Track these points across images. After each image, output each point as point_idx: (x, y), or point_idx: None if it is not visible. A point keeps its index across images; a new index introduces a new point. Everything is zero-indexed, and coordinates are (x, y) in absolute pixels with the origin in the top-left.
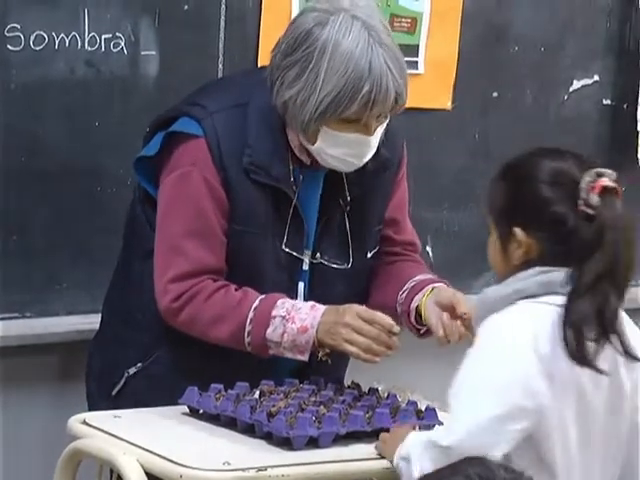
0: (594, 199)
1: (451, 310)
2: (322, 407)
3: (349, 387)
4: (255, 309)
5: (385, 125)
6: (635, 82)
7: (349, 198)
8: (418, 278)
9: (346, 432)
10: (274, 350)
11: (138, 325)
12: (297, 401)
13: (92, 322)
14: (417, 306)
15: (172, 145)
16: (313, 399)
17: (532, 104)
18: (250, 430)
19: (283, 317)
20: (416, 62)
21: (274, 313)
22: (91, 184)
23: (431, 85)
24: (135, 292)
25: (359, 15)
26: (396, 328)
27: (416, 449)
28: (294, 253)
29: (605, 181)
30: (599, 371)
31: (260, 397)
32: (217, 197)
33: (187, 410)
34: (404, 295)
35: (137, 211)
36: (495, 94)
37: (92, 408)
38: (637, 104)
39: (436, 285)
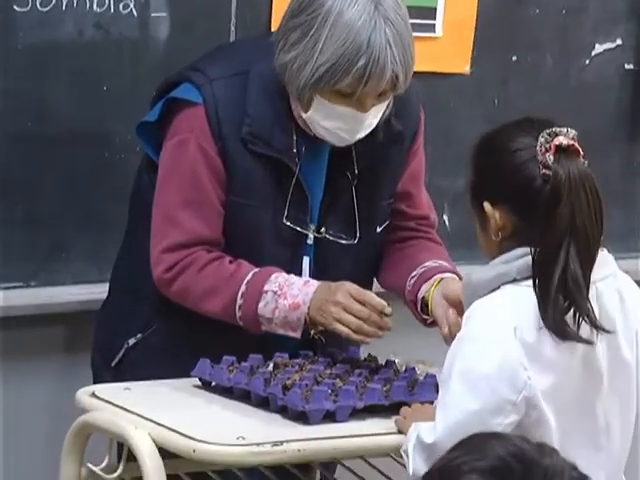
0: (549, 159)
1: (458, 306)
2: (338, 380)
3: (365, 360)
4: (247, 283)
5: (385, 105)
6: None
7: (357, 171)
8: (428, 264)
9: (363, 406)
10: (266, 326)
11: (140, 295)
12: (312, 374)
13: (99, 292)
14: (424, 297)
15: (172, 111)
16: (329, 372)
17: (553, 69)
18: (264, 403)
19: (275, 292)
20: (433, 25)
21: (266, 288)
22: (99, 150)
23: (449, 49)
24: (138, 262)
25: None
26: (388, 309)
27: (410, 447)
28: (297, 227)
29: (560, 139)
30: (584, 341)
31: (274, 370)
32: (214, 166)
33: (199, 382)
34: (412, 282)
35: (143, 178)
36: (515, 58)
37: (96, 379)
38: None
39: (445, 276)
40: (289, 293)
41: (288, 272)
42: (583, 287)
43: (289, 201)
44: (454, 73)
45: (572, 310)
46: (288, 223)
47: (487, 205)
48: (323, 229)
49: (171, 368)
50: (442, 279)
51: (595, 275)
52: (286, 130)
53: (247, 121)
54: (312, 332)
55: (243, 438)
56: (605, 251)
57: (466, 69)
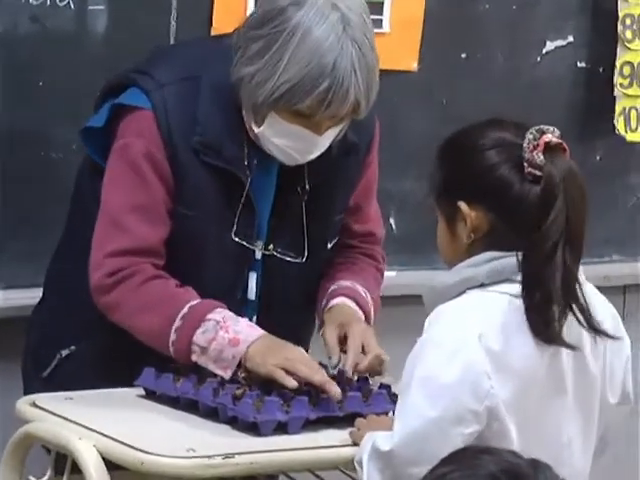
0: (539, 157)
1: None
2: (290, 390)
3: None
4: (191, 307)
5: (340, 127)
6: (611, 44)
7: (308, 187)
8: (331, 288)
9: (316, 417)
10: (197, 357)
11: (77, 305)
12: (265, 383)
13: (33, 297)
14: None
15: (119, 116)
16: None
17: (503, 66)
18: (213, 414)
19: (217, 322)
20: (380, 20)
21: (209, 316)
22: (35, 149)
23: (396, 45)
24: (77, 270)
25: (340, 5)
26: (333, 392)
27: (365, 456)
28: (244, 243)
29: (548, 137)
30: (569, 347)
31: (223, 379)
32: (162, 173)
33: (143, 392)
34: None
35: (84, 182)
36: (464, 55)
37: (26, 385)
38: (613, 67)
39: (333, 304)
40: (232, 328)
41: (233, 288)
42: (580, 287)
43: (239, 216)
44: (401, 70)
45: (568, 312)
46: (237, 239)
47: (463, 205)
48: (271, 246)
49: (106, 381)
50: (330, 308)
51: None
52: (238, 141)
53: (198, 130)
54: (240, 372)
55: (193, 450)
56: None
57: (414, 66)
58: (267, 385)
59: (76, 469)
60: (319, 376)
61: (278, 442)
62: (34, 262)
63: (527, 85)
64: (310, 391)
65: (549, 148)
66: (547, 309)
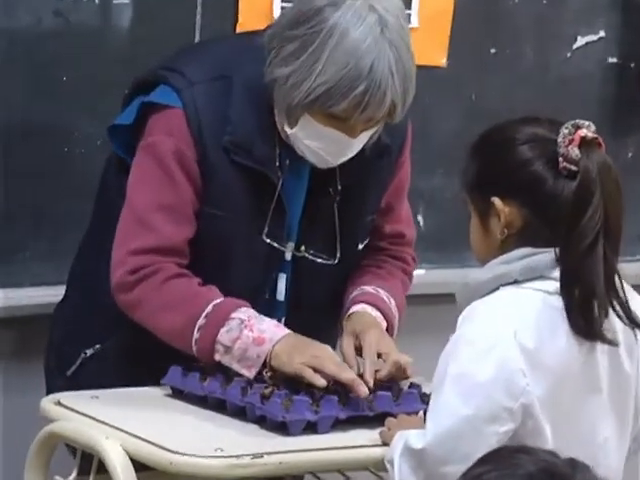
0: (574, 152)
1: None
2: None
3: None
4: (215, 305)
5: (371, 132)
6: None
7: (340, 187)
8: (354, 293)
9: (346, 417)
10: (220, 356)
11: (102, 303)
12: (291, 382)
13: (56, 295)
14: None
15: (148, 114)
16: None
17: (533, 62)
18: (240, 413)
19: (242, 321)
20: (409, 15)
21: (234, 315)
22: (58, 144)
23: (425, 40)
24: (101, 267)
25: (377, 7)
26: (362, 393)
27: (396, 453)
28: (274, 244)
29: (584, 132)
30: (610, 343)
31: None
32: (191, 172)
33: (169, 391)
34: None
35: (110, 180)
36: (493, 50)
37: (49, 383)
38: None
39: (353, 310)
40: (257, 326)
41: (261, 290)
42: (620, 281)
43: (270, 217)
44: (430, 65)
45: (608, 307)
46: (267, 240)
47: (497, 200)
48: (303, 247)
49: (131, 380)
50: (350, 315)
51: None
52: (269, 141)
53: (229, 129)
54: (265, 372)
55: (222, 450)
56: None
57: (442, 61)
58: (294, 384)
59: (102, 469)
60: (347, 374)
61: (307, 442)
62: (57, 259)
63: (557, 80)
64: (339, 390)
65: (585, 143)
66: (588, 305)
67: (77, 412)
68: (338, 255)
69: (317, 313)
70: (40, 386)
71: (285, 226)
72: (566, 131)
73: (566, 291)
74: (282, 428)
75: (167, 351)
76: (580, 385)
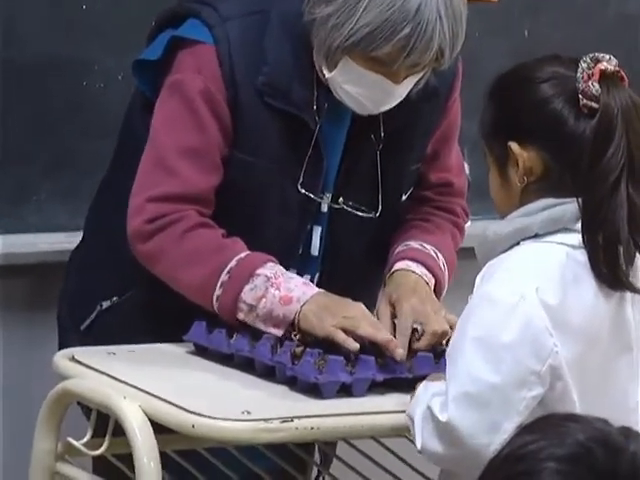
0: (594, 87)
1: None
2: None
3: None
4: (239, 259)
5: (417, 78)
6: None
7: (383, 134)
8: (398, 249)
9: (383, 379)
10: (244, 315)
11: (120, 253)
12: (322, 346)
13: (72, 241)
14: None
15: (177, 50)
16: None
17: None
18: (269, 373)
19: (268, 278)
20: None
21: (259, 271)
22: (75, 78)
23: None
24: (122, 214)
25: None
26: (398, 353)
27: (418, 416)
28: (310, 195)
29: (604, 65)
30: (637, 291)
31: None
32: (221, 115)
33: (192, 348)
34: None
35: (135, 119)
36: None
37: (62, 337)
38: None
39: (395, 268)
40: (284, 285)
41: (294, 244)
42: None
43: (305, 165)
44: (480, 1)
45: (635, 253)
46: (303, 190)
47: (514, 144)
48: (341, 199)
49: (150, 337)
50: (392, 273)
51: None
52: (307, 82)
53: (264, 70)
54: (293, 335)
55: (248, 413)
56: None
57: None
58: (326, 348)
59: (119, 432)
60: (383, 335)
61: (341, 406)
62: (73, 203)
63: (617, 16)
64: (376, 351)
65: (605, 77)
66: (612, 250)
67: (93, 369)
68: (380, 207)
69: (354, 271)
70: (53, 340)
71: (322, 175)
72: (585, 65)
73: (589, 238)
74: (314, 390)
75: (190, 306)
76: (610, 344)
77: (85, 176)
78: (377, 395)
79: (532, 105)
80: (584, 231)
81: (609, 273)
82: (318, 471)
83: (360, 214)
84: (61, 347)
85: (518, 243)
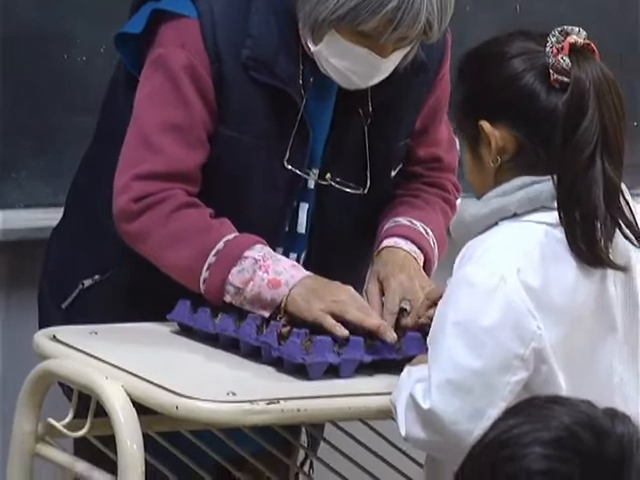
0: (564, 61)
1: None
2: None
3: None
4: (227, 241)
5: (404, 52)
6: None
7: (371, 109)
8: (387, 225)
9: (371, 360)
10: (231, 297)
11: (103, 230)
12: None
13: (54, 218)
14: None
15: (159, 23)
16: None
17: None
18: (255, 354)
19: (256, 261)
20: None
21: (247, 253)
22: (57, 51)
23: None
24: (105, 190)
25: None
26: (389, 337)
27: (401, 403)
28: (297, 171)
29: (573, 38)
30: (617, 267)
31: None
32: (204, 89)
33: (176, 327)
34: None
35: (117, 94)
36: None
37: (42, 316)
38: None
39: (384, 245)
40: (272, 267)
41: (280, 222)
42: (626, 200)
43: (292, 140)
44: None
45: (613, 229)
46: (289, 166)
47: (485, 124)
48: (328, 175)
49: (133, 317)
50: (381, 250)
51: None
52: (292, 56)
53: (248, 43)
54: (279, 317)
55: (234, 394)
56: None
57: None
58: (313, 328)
59: (101, 412)
60: (372, 320)
61: (328, 387)
62: (55, 178)
63: None
64: (366, 332)
65: (575, 50)
66: (589, 227)
67: (74, 349)
68: (368, 184)
69: (342, 249)
70: (34, 319)
71: (308, 151)
72: (554, 39)
73: (565, 215)
74: (301, 371)
75: (175, 287)
76: (594, 323)
77: (67, 152)
78: (365, 376)
79: (502, 81)
80: (560, 208)
81: (588, 250)
82: (305, 454)
83: (348, 191)
84: (42, 326)
85: (496, 223)
